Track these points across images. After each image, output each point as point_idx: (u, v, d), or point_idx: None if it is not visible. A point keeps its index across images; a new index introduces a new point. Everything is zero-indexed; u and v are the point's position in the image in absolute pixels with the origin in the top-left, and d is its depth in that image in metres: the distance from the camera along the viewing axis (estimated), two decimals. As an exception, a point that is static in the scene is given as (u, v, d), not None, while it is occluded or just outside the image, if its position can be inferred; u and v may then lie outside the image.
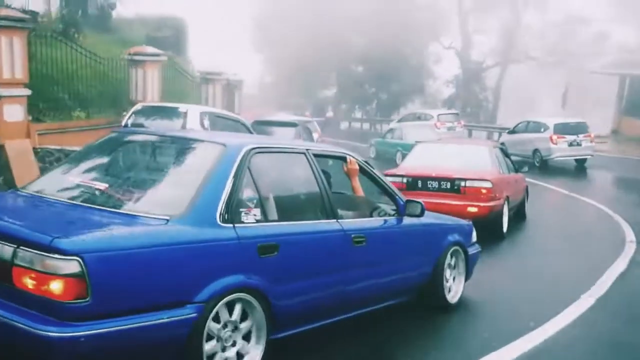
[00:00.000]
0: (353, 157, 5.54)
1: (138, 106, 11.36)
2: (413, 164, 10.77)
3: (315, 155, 4.93)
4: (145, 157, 4.72)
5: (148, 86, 16.12)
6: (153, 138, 4.84)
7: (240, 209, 4.09)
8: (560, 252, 9.55)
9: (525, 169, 12.59)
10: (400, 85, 46.22)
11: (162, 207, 3.84)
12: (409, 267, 5.62)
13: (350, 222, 5.01)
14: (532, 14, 45.13)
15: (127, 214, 3.80)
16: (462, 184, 9.65)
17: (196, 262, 3.73)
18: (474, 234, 6.64)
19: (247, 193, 4.19)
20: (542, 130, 21.65)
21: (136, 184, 4.25)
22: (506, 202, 10.21)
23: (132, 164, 4.64)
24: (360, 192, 5.62)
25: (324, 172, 5.26)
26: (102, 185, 4.19)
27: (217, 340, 3.89)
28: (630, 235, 10.35)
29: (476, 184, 9.63)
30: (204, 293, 3.71)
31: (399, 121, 30.58)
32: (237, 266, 3.95)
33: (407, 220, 5.51)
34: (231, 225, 3.97)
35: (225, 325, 3.94)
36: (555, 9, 43.80)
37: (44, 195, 4.20)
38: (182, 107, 11.42)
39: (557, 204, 15.33)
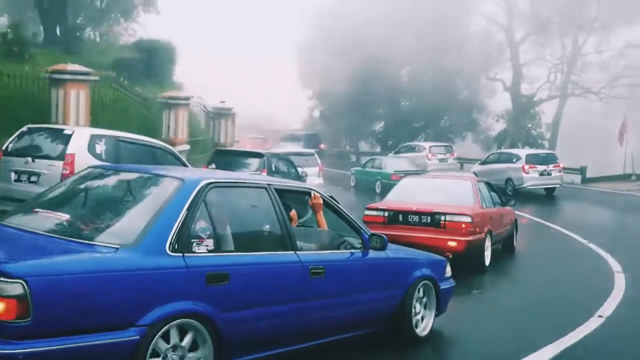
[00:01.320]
0: (317, 192, 5.76)
1: (24, 128, 10.28)
2: (396, 198, 10.87)
3: (278, 190, 5.15)
4: (110, 191, 4.96)
5: (71, 108, 14.50)
6: (122, 173, 5.18)
7: (192, 240, 4.29)
8: (543, 286, 9.56)
9: (513, 202, 12.64)
10: (450, 120, 45.13)
11: (116, 237, 4.09)
12: (373, 300, 5.67)
13: (310, 254, 5.18)
14: (591, 43, 42.52)
15: (81, 242, 4.05)
16: (442, 218, 9.75)
17: (141, 287, 3.94)
18: (448, 269, 6.70)
19: (201, 225, 4.37)
20: (515, 160, 23.20)
21: (97, 215, 4.55)
22: (488, 236, 10.27)
23: (98, 197, 4.92)
24: (324, 226, 5.84)
25: (287, 205, 5.48)
26: (65, 216, 4.48)
27: None
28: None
29: (456, 218, 9.72)
30: (147, 317, 3.90)
31: (396, 152, 31.15)
32: (184, 293, 4.13)
33: (372, 254, 5.64)
34: (180, 254, 4.17)
35: (173, 349, 4.09)
36: (617, 38, 41.07)
37: (11, 225, 4.51)
38: (68, 128, 10.33)
39: (540, 235, 15.31)
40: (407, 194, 10.90)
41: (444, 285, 6.48)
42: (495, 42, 44.30)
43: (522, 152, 24.01)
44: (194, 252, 4.27)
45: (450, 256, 9.86)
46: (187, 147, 18.68)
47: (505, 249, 12.10)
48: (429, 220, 9.82)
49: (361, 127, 46.11)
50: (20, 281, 3.45)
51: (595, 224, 17.57)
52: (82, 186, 5.03)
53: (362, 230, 5.69)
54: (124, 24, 33.00)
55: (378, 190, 22.60)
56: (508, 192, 21.77)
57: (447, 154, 29.30)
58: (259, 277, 4.66)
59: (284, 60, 54.73)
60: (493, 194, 11.77)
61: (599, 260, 11.40)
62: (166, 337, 4.06)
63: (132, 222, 4.27)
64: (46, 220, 4.48)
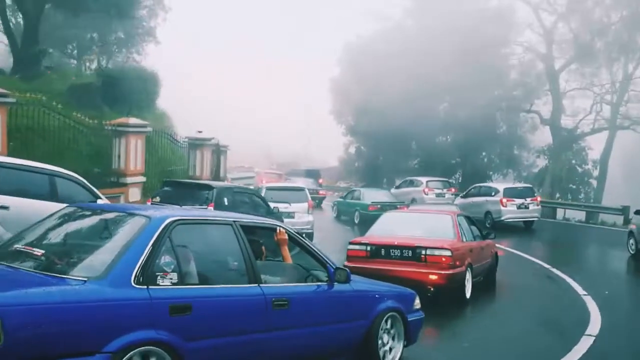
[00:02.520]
0: (283, 227, 6.12)
1: None
2: (378, 232, 11.08)
3: (243, 227, 5.48)
4: (84, 228, 5.29)
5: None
6: (97, 212, 5.51)
7: (157, 273, 4.59)
8: (520, 318, 9.77)
9: (492, 235, 12.90)
10: (488, 156, 42.94)
11: (85, 270, 4.41)
12: (338, 330, 5.89)
13: (274, 286, 5.47)
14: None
15: (52, 276, 4.37)
16: (423, 252, 9.93)
17: (106, 317, 4.22)
18: (417, 301, 6.92)
19: (165, 259, 4.69)
20: (493, 194, 23.76)
21: (69, 251, 4.90)
22: (469, 269, 10.48)
23: (72, 234, 5.22)
24: (289, 260, 6.15)
25: (255, 241, 5.86)
26: (39, 252, 4.81)
27: None
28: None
29: (436, 252, 9.91)
30: (112, 344, 4.16)
31: (397, 187, 31.97)
32: (148, 323, 4.40)
33: (337, 287, 5.90)
34: (145, 287, 4.46)
35: None
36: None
37: None
38: None
39: (519, 267, 15.35)
40: (389, 228, 11.09)
41: (412, 317, 6.68)
42: (534, 73, 41.78)
43: (501, 185, 24.59)
44: (158, 285, 4.56)
45: (432, 289, 10.15)
46: (141, 178, 17.75)
47: (486, 281, 12.32)
48: (410, 254, 10.01)
49: (397, 164, 43.51)
50: None
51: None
52: (59, 223, 5.34)
53: (327, 264, 5.96)
54: (127, 52, 33.34)
55: (356, 221, 23.60)
56: (487, 225, 22.09)
57: (445, 189, 29.77)
58: (221, 308, 4.93)
59: (321, 98, 53.96)
60: (473, 227, 12.00)
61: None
62: None
63: (101, 256, 4.57)
64: (23, 255, 4.82)
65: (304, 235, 6.18)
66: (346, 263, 10.41)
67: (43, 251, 4.82)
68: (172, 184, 13.38)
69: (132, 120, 17.57)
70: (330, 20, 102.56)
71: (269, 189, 18.49)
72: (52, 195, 8.82)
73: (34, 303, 3.98)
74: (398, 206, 22.11)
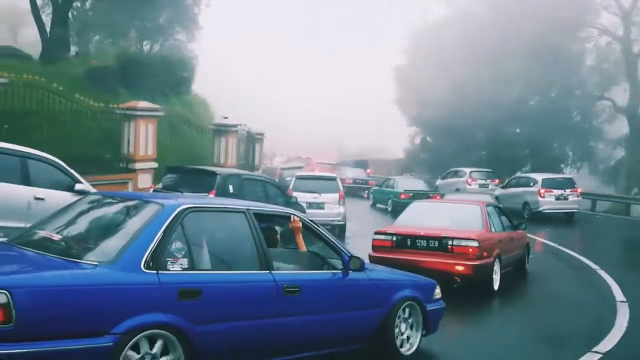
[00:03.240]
0: (297, 216, 6.20)
1: None
2: (405, 222, 10.97)
3: (257, 215, 5.61)
4: (101, 215, 5.50)
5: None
6: (115, 199, 5.73)
7: (167, 259, 4.75)
8: (547, 311, 9.53)
9: (524, 226, 12.66)
10: (560, 148, 40.12)
11: (97, 255, 4.63)
12: (351, 318, 5.97)
13: (285, 273, 5.64)
14: None
15: (66, 260, 4.59)
16: (450, 242, 9.80)
17: (115, 300, 4.40)
18: (437, 291, 6.95)
19: (177, 245, 4.84)
20: (532, 184, 23.51)
21: (86, 236, 5.13)
22: (497, 260, 10.30)
23: (90, 220, 5.44)
24: (303, 248, 6.26)
25: (270, 229, 6.05)
26: (57, 237, 5.07)
27: None
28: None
29: (463, 242, 9.77)
30: (121, 326, 4.34)
31: (442, 178, 32.08)
32: (156, 306, 4.57)
33: (352, 275, 5.99)
34: (155, 271, 4.63)
35: (146, 356, 4.49)
36: None
37: (14, 244, 5.17)
38: None
39: (551, 259, 14.88)
40: (417, 218, 10.98)
41: (431, 307, 6.72)
42: (611, 58, 38.89)
43: (540, 176, 24.21)
44: (168, 270, 4.71)
45: (459, 280, 10.01)
46: (152, 164, 16.96)
47: (516, 272, 12.11)
48: (436, 245, 9.89)
49: (464, 155, 39.92)
50: (4, 291, 3.95)
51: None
52: (80, 210, 5.58)
53: (342, 253, 6.03)
54: (166, 38, 33.21)
55: (389, 209, 23.88)
56: (525, 216, 22.09)
57: (488, 179, 29.86)
58: (231, 294, 5.06)
59: (385, 87, 51.94)
60: (503, 217, 11.80)
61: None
62: (139, 346, 4.48)
63: (114, 242, 4.76)
64: (43, 240, 5.09)
65: (330, 226, 6.15)
66: (371, 253, 10.39)
67: (61, 236, 5.05)
68: (176, 170, 12.91)
69: (142, 104, 16.70)
70: (395, 6, 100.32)
71: (298, 178, 18.15)
72: (23, 178, 8.67)
73: (44, 285, 4.17)
74: (430, 195, 22.01)
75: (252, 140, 24.92)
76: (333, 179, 18.23)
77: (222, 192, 11.16)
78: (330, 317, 5.77)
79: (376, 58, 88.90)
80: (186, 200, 5.35)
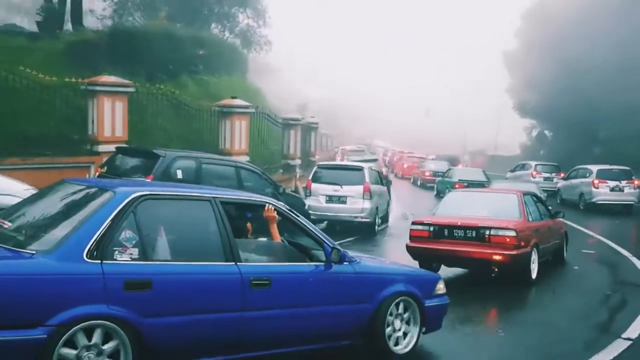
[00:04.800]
0: (272, 204, 5.89)
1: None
2: (443, 212, 11.07)
3: (225, 203, 5.39)
4: (58, 202, 5.23)
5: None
6: (78, 186, 5.42)
7: (115, 248, 4.61)
8: (580, 306, 9.36)
9: (562, 214, 12.64)
10: None
11: (38, 244, 4.52)
12: (333, 313, 5.70)
13: (253, 265, 5.36)
14: None
15: (7, 248, 4.51)
16: (487, 232, 9.87)
17: (51, 290, 4.29)
18: (439, 285, 6.59)
19: (127, 234, 4.69)
20: (587, 175, 23.33)
21: (35, 224, 4.97)
22: (535, 250, 10.35)
23: (45, 208, 5.23)
24: (277, 238, 5.96)
25: (241, 218, 5.88)
26: (7, 224, 4.97)
27: None
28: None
29: (500, 232, 9.83)
30: (56, 318, 4.23)
31: (511, 171, 32.38)
32: (99, 297, 4.43)
33: (337, 268, 5.72)
34: (99, 261, 4.50)
35: (87, 349, 4.38)
36: None
37: None
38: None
39: (594, 251, 14.23)
40: (454, 208, 11.06)
41: (431, 302, 6.37)
42: None
43: (596, 167, 23.89)
44: (114, 260, 4.57)
45: (496, 270, 10.10)
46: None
47: (555, 262, 12.11)
48: (474, 235, 9.97)
49: (584, 151, 36.23)
50: None
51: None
52: (42, 198, 5.49)
53: (324, 244, 5.76)
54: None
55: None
56: (580, 207, 22.75)
57: (553, 173, 29.69)
58: (186, 286, 4.88)
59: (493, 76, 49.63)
60: (541, 206, 11.82)
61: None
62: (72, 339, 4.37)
63: (59, 230, 4.63)
64: None
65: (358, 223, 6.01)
66: (409, 243, 10.54)
67: (10, 224, 4.98)
68: (123, 151, 11.61)
69: (105, 79, 14.74)
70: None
71: (320, 167, 16.50)
72: None
73: None
74: (486, 185, 22.16)
75: (307, 129, 25.29)
76: (359, 169, 15.87)
77: (164, 178, 9.70)
78: (307, 312, 5.51)
79: (487, 45, 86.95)
80: (141, 188, 5.13)
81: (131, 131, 15.09)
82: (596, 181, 22.51)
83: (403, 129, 73.45)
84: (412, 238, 10.54)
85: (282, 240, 6.09)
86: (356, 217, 14.93)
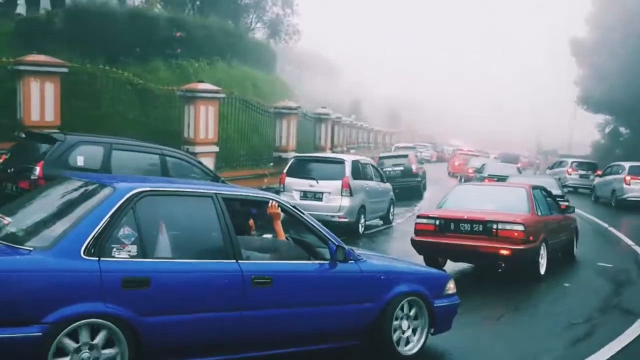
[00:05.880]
0: (276, 200, 5.73)
1: None
2: (450, 206, 10.80)
3: (227, 199, 5.25)
4: (58, 198, 5.12)
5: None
6: (77, 182, 5.28)
7: (113, 245, 4.50)
8: (588, 301, 9.10)
9: (572, 209, 12.38)
10: None
11: (36, 240, 4.43)
12: (337, 313, 5.55)
13: (255, 263, 5.21)
14: None
15: (5, 245, 4.44)
16: (494, 226, 9.60)
17: (47, 287, 4.20)
18: (449, 285, 6.36)
19: (125, 231, 4.58)
20: (620, 172, 22.92)
21: (35, 220, 4.84)
22: (543, 245, 10.08)
23: (46, 204, 5.14)
24: (282, 236, 5.82)
25: (244, 214, 5.71)
26: (7, 220, 4.89)
27: None
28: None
29: (508, 226, 9.56)
30: (52, 316, 4.14)
31: (550, 168, 32.70)
32: (96, 295, 4.33)
33: (341, 266, 5.56)
34: (96, 258, 4.39)
35: (86, 347, 4.28)
36: None
37: None
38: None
39: (613, 265, 11.91)
40: (462, 202, 10.79)
41: (440, 303, 6.15)
42: None
43: (628, 163, 23.46)
44: (112, 257, 4.47)
45: (503, 265, 9.85)
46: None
47: (564, 257, 11.84)
48: (480, 229, 9.70)
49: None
50: None
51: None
52: (42, 194, 5.42)
53: (329, 242, 5.62)
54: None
55: None
56: (612, 204, 22.51)
57: (589, 170, 29.33)
58: (185, 284, 4.76)
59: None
60: (550, 200, 11.53)
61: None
62: (71, 336, 4.26)
63: (57, 227, 4.54)
64: None
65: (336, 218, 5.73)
66: (414, 237, 10.29)
67: (10, 220, 4.89)
68: (30, 136, 10.54)
69: (33, 58, 13.28)
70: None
71: (297, 158, 14.81)
72: None
73: None
74: None
75: (317, 120, 24.38)
76: (339, 161, 14.03)
77: (59, 165, 8.80)
78: (310, 312, 5.37)
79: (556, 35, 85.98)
80: (142, 184, 5.01)
81: (77, 117, 13.60)
82: (628, 177, 22.02)
83: (476, 128, 73.17)
84: (417, 232, 10.29)
85: (286, 238, 5.97)
86: (333, 216, 13.08)
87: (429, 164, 43.83)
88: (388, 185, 15.97)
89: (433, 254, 10.35)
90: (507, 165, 27.21)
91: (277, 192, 13.28)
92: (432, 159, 49.19)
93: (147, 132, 14.18)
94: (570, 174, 29.21)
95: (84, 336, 4.30)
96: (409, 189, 22.51)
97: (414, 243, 10.30)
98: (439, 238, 9.96)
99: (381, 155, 26.54)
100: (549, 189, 15.24)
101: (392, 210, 16.01)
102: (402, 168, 23.24)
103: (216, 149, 15.98)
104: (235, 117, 18.53)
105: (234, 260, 5.02)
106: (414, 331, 6.03)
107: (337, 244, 5.59)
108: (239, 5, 31.72)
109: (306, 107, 24.18)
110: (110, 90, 15.41)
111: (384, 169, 22.72)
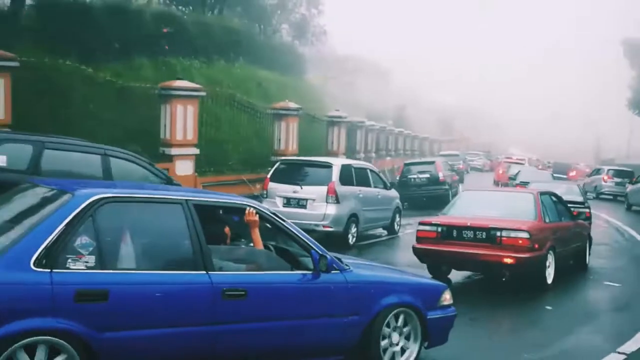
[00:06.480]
0: (254, 207, 5.35)
1: None
2: (455, 212, 10.46)
3: (198, 206, 4.91)
4: (18, 204, 4.87)
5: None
6: (38, 188, 5.01)
7: (68, 255, 4.20)
8: (598, 314, 8.74)
9: (584, 216, 11.96)
10: None
11: None
12: (322, 327, 5.25)
13: (227, 274, 4.88)
14: None
15: None
16: (498, 233, 9.24)
17: None
18: (445, 296, 5.99)
19: (83, 240, 4.28)
20: None
21: None
22: (551, 252, 9.70)
23: (3, 210, 4.82)
24: (260, 245, 5.46)
25: (219, 222, 5.38)
26: None
27: None
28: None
29: (512, 234, 9.19)
30: None
31: (588, 176, 33.40)
32: (46, 310, 4.02)
33: (325, 277, 5.23)
34: (48, 270, 4.09)
35: None
36: None
37: None
38: None
39: (622, 285, 10.63)
40: (466, 208, 10.44)
41: (434, 315, 5.81)
42: None
43: None
44: (67, 268, 4.17)
45: (507, 274, 9.48)
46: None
47: (576, 266, 11.42)
48: (484, 236, 9.34)
49: None
50: None
51: None
52: (3, 200, 5.08)
53: (312, 251, 5.27)
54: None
55: None
56: None
57: (625, 177, 28.98)
58: (149, 297, 4.44)
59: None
60: (561, 207, 11.12)
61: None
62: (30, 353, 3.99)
63: (10, 235, 4.25)
64: None
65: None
66: (415, 245, 9.99)
67: None
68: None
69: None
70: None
71: (282, 162, 13.84)
72: None
73: None
74: None
75: (330, 123, 23.10)
76: (327, 165, 12.96)
77: None
78: (290, 325, 5.04)
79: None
80: (104, 190, 4.69)
81: (40, 116, 12.53)
82: None
83: (535, 137, 72.70)
84: (418, 239, 9.97)
85: (269, 247, 5.65)
86: (317, 225, 12.12)
87: (479, 172, 43.24)
88: (392, 193, 15.11)
89: (435, 262, 10.02)
90: (541, 173, 26.92)
91: (257, 197, 12.71)
92: (484, 167, 48.11)
93: (124, 134, 13.43)
94: (606, 182, 29.42)
95: (40, 353, 4.01)
96: (435, 197, 21.45)
97: (415, 251, 9.99)
98: (441, 245, 9.62)
99: (406, 162, 25.70)
100: (569, 195, 15.02)
101: (397, 219, 15.15)
102: (427, 175, 22.31)
103: (196, 151, 14.89)
104: (223, 117, 17.31)
105: (204, 272, 4.70)
106: (406, 345, 5.70)
107: (320, 252, 5.25)
108: (263, 6, 31.34)
109: (347, 114, 23.17)
110: (81, 88, 14.04)
111: (409, 176, 22.29)
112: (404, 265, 10.91)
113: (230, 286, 4.74)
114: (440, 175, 22.66)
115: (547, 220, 10.02)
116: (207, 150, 15.31)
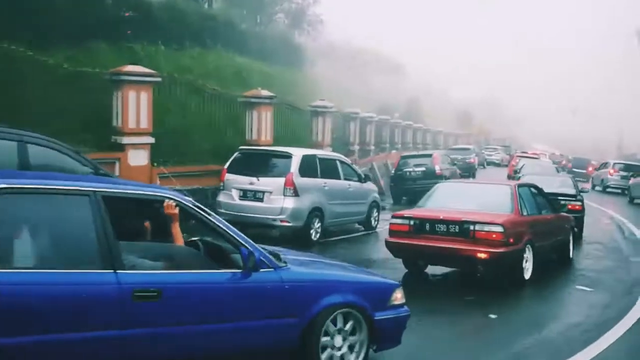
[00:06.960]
0: (173, 199, 4.90)
1: None
2: (428, 205, 10.10)
3: (108, 198, 4.50)
4: None
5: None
6: None
7: None
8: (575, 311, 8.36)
9: (565, 209, 11.62)
10: None
11: None
12: (251, 330, 4.86)
13: (138, 273, 4.46)
14: None
15: None
16: (471, 227, 8.87)
17: None
18: (396, 295, 5.56)
19: None
20: None
21: None
22: (528, 247, 9.33)
23: None
24: (180, 241, 5.08)
25: (135, 216, 4.99)
26: None
27: None
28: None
29: (486, 227, 8.82)
30: None
31: (597, 169, 33.83)
32: None
33: (257, 275, 4.82)
34: None
35: None
36: None
37: None
38: None
39: (594, 289, 9.50)
40: (441, 201, 10.05)
41: (383, 315, 5.41)
42: None
43: None
44: None
45: (481, 269, 9.14)
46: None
47: (559, 260, 11.08)
48: (457, 230, 8.97)
49: None
50: None
51: None
52: None
53: (241, 247, 4.83)
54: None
55: None
56: None
57: (631, 172, 28.95)
58: (46, 299, 4.06)
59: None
60: (541, 199, 10.75)
61: None
62: None
63: None
64: None
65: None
66: (388, 238, 9.64)
67: None
68: None
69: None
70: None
71: (241, 152, 13.02)
72: None
73: None
74: None
75: (314, 113, 21.80)
76: (286, 155, 12.20)
77: None
78: (213, 329, 4.65)
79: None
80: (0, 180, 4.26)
81: None
82: None
83: (559, 132, 72.67)
84: (391, 233, 9.61)
85: (198, 243, 5.24)
86: (274, 219, 11.58)
87: (497, 167, 42.85)
88: (368, 186, 14.42)
89: (409, 257, 9.68)
90: (545, 166, 26.86)
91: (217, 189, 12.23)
92: (502, 162, 47.07)
93: (76, 121, 12.59)
94: (612, 175, 30.19)
95: None
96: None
97: (388, 245, 9.64)
98: (414, 239, 9.27)
99: (403, 154, 25.12)
100: (562, 188, 14.60)
101: (374, 214, 14.41)
102: (423, 169, 21.64)
103: (150, 140, 13.78)
104: (189, 106, 16.22)
105: (112, 271, 4.29)
106: (351, 348, 5.26)
107: (250, 249, 4.82)
108: None
109: (333, 104, 22.20)
110: (29, 74, 12.82)
111: (404, 170, 21.68)
112: (379, 261, 10.60)
113: (142, 286, 4.34)
114: (437, 168, 21.91)
115: (524, 214, 9.65)
116: (168, 140, 14.34)
